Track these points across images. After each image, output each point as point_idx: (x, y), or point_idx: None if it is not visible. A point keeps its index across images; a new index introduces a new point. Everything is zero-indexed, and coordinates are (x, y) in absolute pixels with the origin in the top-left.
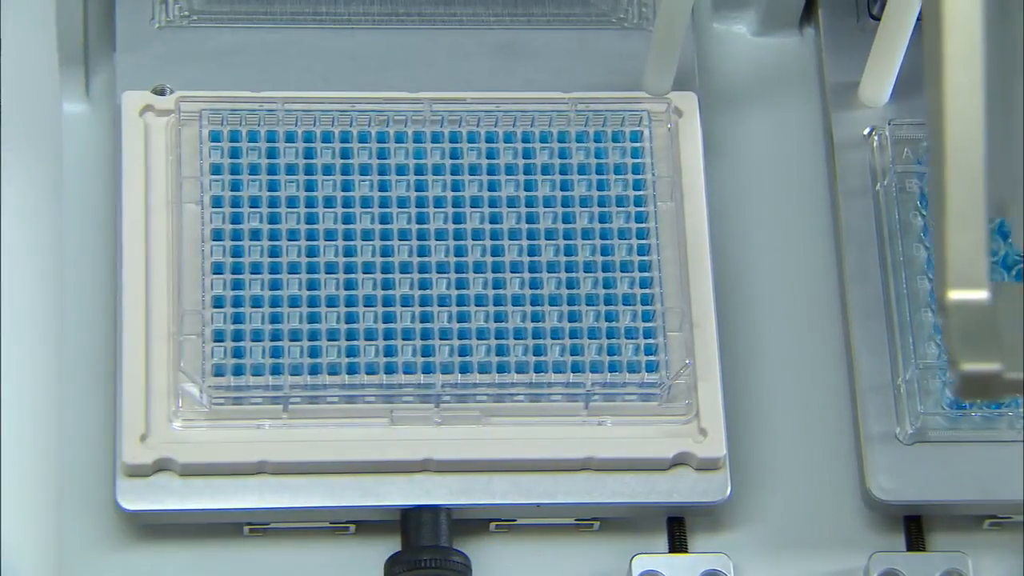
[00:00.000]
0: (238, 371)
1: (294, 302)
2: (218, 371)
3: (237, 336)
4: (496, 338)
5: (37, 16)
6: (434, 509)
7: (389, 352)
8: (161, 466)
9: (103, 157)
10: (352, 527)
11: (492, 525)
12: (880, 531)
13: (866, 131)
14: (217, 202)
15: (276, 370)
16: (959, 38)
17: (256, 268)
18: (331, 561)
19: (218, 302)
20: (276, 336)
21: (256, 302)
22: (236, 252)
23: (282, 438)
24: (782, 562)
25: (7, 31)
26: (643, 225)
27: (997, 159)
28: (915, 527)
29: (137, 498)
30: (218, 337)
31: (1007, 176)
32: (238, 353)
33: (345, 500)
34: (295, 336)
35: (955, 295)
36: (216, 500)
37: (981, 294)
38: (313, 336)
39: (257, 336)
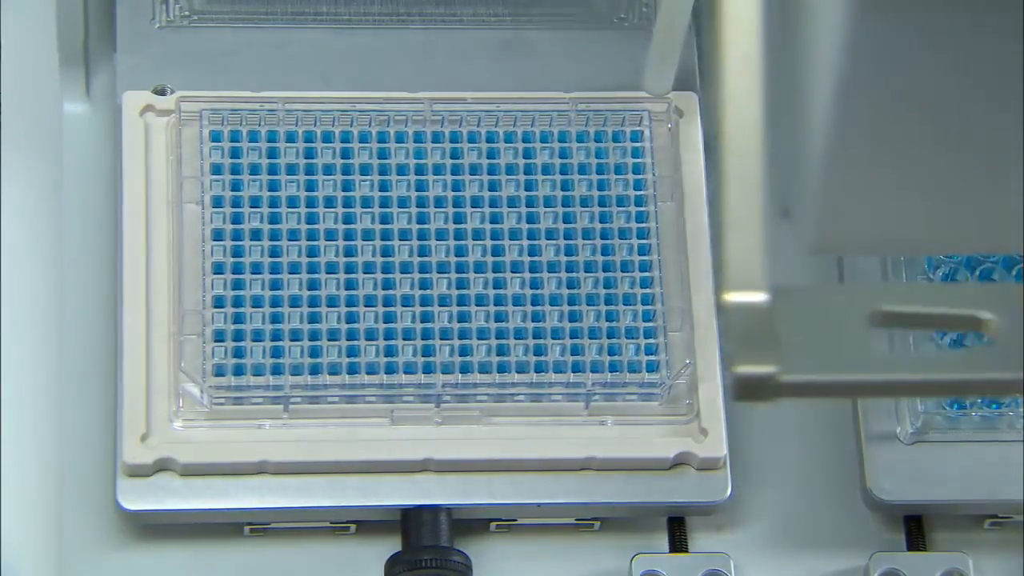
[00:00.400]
0: (239, 371)
1: (294, 302)
2: (219, 371)
3: (238, 336)
4: (496, 338)
5: (37, 16)
6: (434, 509)
7: (389, 352)
8: (162, 466)
9: (103, 157)
10: (352, 527)
11: (492, 525)
12: (880, 531)
13: None
14: (217, 202)
15: (277, 370)
16: (737, 42)
17: (256, 268)
18: (331, 561)
19: (218, 302)
20: (277, 336)
21: (256, 302)
22: (236, 252)
23: (282, 438)
24: (782, 562)
25: (7, 31)
26: (643, 225)
27: (781, 162)
28: (915, 527)
29: (137, 498)
30: (219, 337)
31: (791, 180)
32: (239, 353)
33: (345, 500)
34: (295, 336)
35: (732, 297)
36: (216, 500)
37: (759, 296)
38: (313, 336)
39: (258, 336)
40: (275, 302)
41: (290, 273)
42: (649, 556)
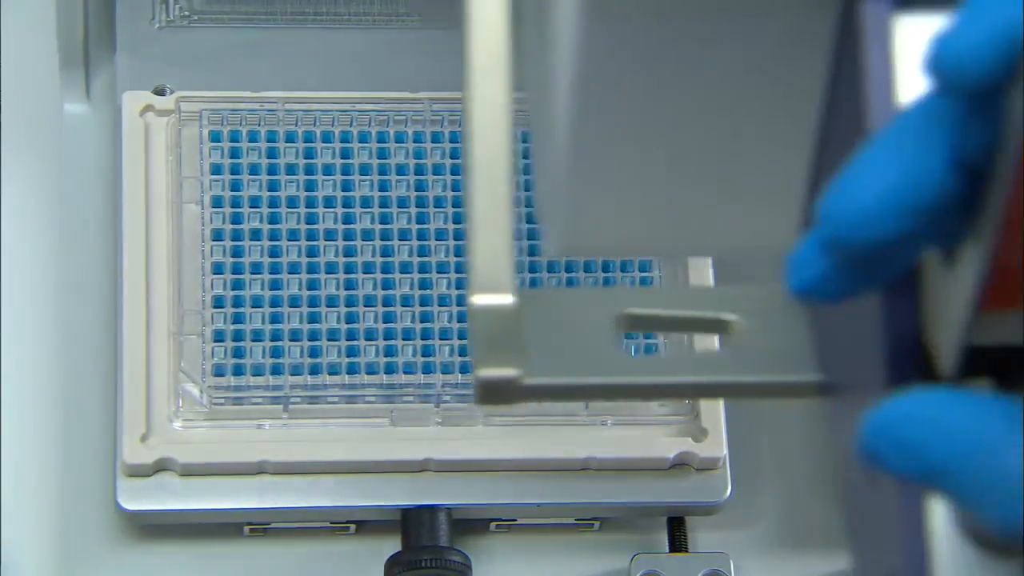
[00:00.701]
0: (238, 371)
1: (294, 302)
2: (218, 371)
3: (237, 336)
4: None
5: (37, 16)
6: (434, 509)
7: (389, 352)
8: (161, 466)
9: (103, 157)
10: (352, 527)
11: (492, 525)
12: None
13: None
14: (217, 202)
15: (276, 370)
16: (482, 45)
17: (256, 268)
18: (331, 561)
19: (218, 302)
20: (276, 336)
21: (256, 302)
22: (236, 252)
23: (282, 438)
24: (782, 562)
25: (7, 31)
26: None
27: (534, 166)
28: None
29: (137, 498)
30: (218, 337)
31: (539, 183)
32: (238, 353)
33: (345, 500)
34: (295, 336)
35: (478, 299)
36: (216, 500)
37: (505, 298)
38: (313, 336)
39: (257, 336)
40: (275, 302)
41: (290, 273)
42: (649, 556)
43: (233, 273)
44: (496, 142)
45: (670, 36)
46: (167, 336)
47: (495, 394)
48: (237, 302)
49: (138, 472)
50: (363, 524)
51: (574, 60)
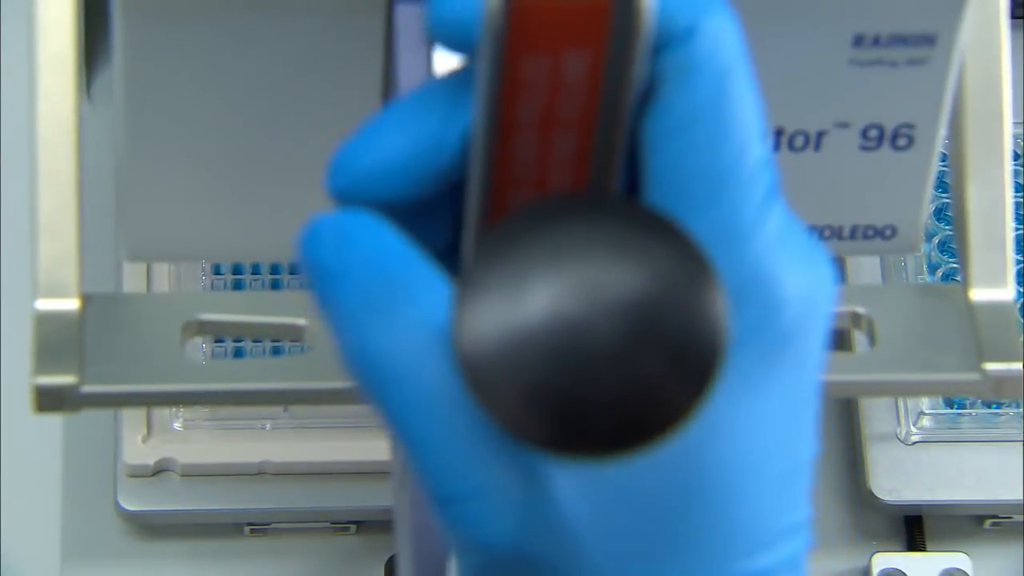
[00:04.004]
0: (239, 348)
1: (295, 270)
2: (216, 269)
3: (237, 270)
4: None
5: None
6: None
7: None
8: (162, 467)
9: (103, 157)
10: (353, 527)
11: None
12: (880, 531)
13: None
14: None
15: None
16: (50, 48)
17: (256, 268)
18: (331, 561)
19: (217, 269)
20: (276, 270)
21: (255, 269)
22: None
23: (283, 438)
24: None
25: (7, 31)
26: None
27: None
28: (915, 527)
29: (138, 498)
30: (219, 337)
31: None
32: (239, 353)
33: (345, 500)
34: (297, 270)
35: (41, 304)
36: (217, 500)
37: (68, 303)
38: None
39: (257, 268)
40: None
41: (290, 273)
42: None
43: (233, 273)
44: (62, 145)
45: (216, 37)
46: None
47: (53, 401)
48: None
49: (139, 472)
50: (363, 524)
51: (121, 61)
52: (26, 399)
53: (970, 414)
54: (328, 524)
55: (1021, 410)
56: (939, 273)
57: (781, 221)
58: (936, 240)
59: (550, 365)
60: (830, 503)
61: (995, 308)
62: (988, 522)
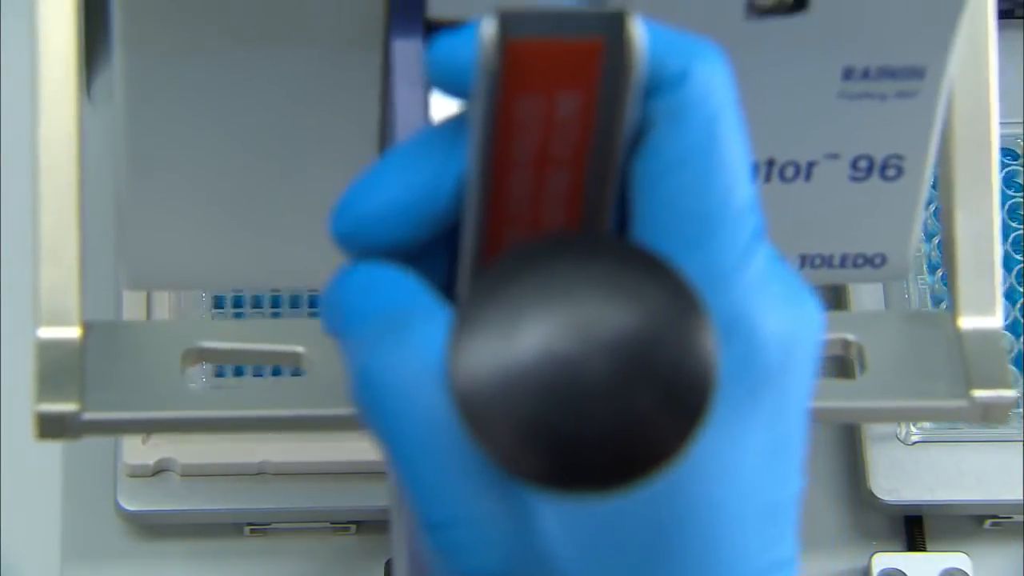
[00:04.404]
0: (239, 371)
1: (295, 303)
2: (219, 371)
3: (237, 295)
4: None
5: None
6: None
7: None
8: (162, 467)
9: (104, 157)
10: (353, 527)
11: None
12: (880, 531)
13: None
14: None
15: (277, 371)
16: (52, 76)
17: (258, 299)
18: (331, 561)
19: (218, 302)
20: (277, 296)
21: (257, 302)
22: None
23: (283, 439)
24: None
25: (7, 31)
26: None
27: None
28: (915, 527)
29: (138, 498)
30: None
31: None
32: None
33: (345, 500)
34: (297, 297)
35: (43, 332)
36: (217, 500)
37: (70, 331)
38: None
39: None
40: (275, 302)
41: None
42: None
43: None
44: (64, 171)
45: (217, 70)
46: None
47: (54, 429)
48: (237, 302)
49: (139, 472)
50: (363, 524)
51: (122, 93)
52: (26, 400)
53: (1005, 336)
54: (328, 524)
55: (1021, 410)
56: (943, 306)
57: (766, 261)
58: (940, 273)
59: (543, 401)
60: (830, 503)
61: (983, 335)
62: (988, 522)
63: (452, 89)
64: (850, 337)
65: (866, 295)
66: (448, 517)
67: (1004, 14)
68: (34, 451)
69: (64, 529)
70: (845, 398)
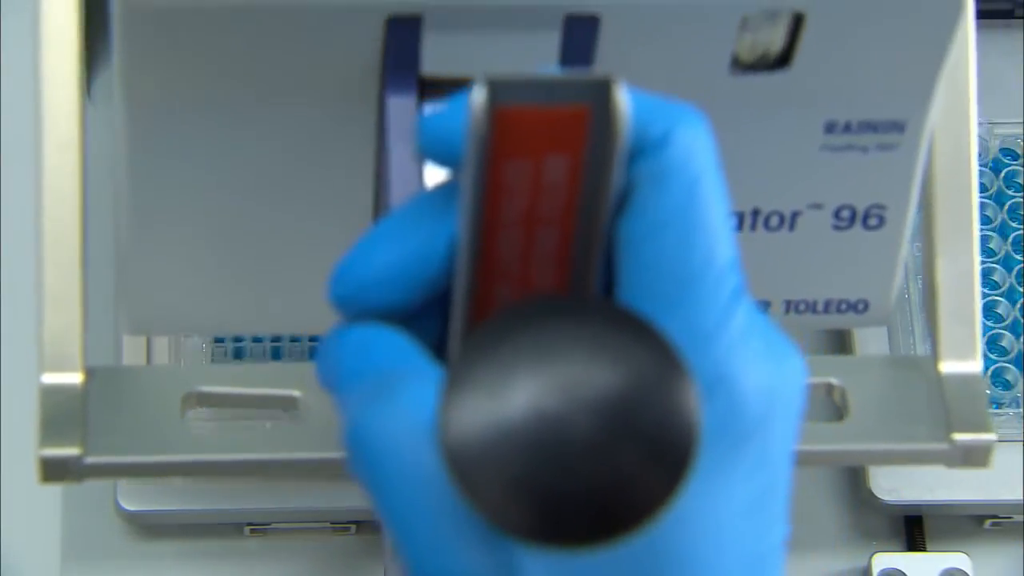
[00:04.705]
0: (238, 337)
1: (296, 338)
2: (218, 338)
3: (237, 336)
4: None
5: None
6: None
7: None
8: None
9: (104, 157)
10: (353, 527)
11: None
12: (880, 531)
13: None
14: None
15: (276, 339)
16: (56, 123)
17: (258, 336)
18: (331, 561)
19: (219, 337)
20: (277, 336)
21: (258, 337)
22: None
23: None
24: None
25: (7, 31)
26: None
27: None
28: (915, 527)
29: (138, 498)
30: (218, 337)
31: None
32: (238, 353)
33: (346, 500)
34: (296, 337)
35: (46, 378)
36: (217, 500)
37: (73, 377)
38: (314, 336)
39: (257, 336)
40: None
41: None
42: None
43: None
44: (67, 218)
45: (216, 122)
46: (167, 336)
47: (58, 472)
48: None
49: None
50: (363, 524)
51: (124, 143)
52: (26, 400)
53: (985, 381)
54: (328, 524)
55: (1021, 410)
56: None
57: (747, 318)
58: None
59: (531, 459)
60: (830, 503)
61: (964, 380)
62: (988, 522)
63: (442, 159)
64: (834, 381)
65: (872, 340)
66: (438, 569)
67: (1004, 14)
68: (34, 451)
69: (64, 529)
70: (827, 441)
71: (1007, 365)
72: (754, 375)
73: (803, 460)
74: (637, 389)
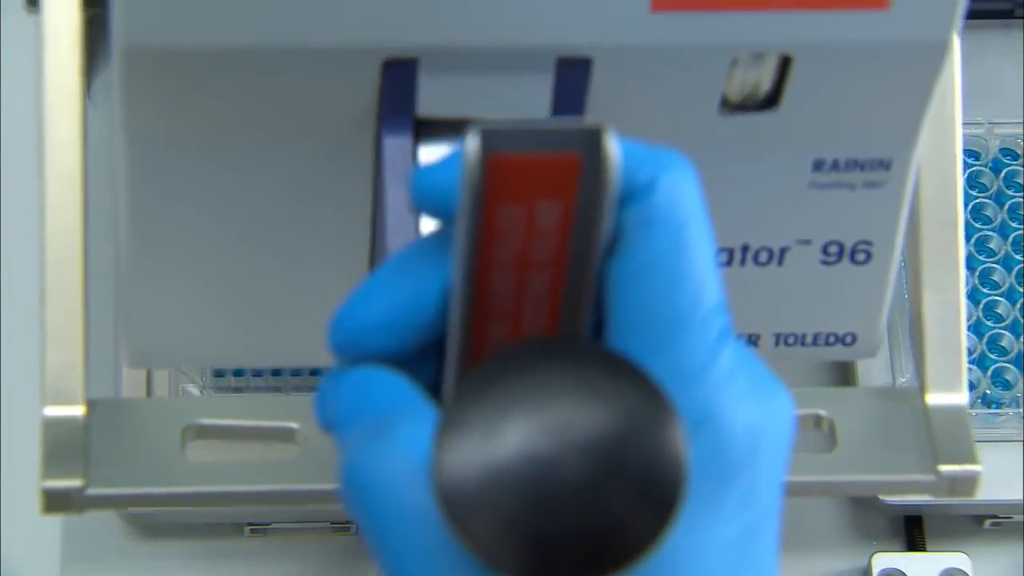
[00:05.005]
0: (239, 372)
1: (297, 371)
2: (219, 372)
3: (238, 368)
4: None
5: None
6: None
7: None
8: None
9: (103, 157)
10: (353, 527)
11: None
12: (880, 531)
13: None
14: None
15: (277, 371)
16: (58, 161)
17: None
18: (331, 561)
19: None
20: (277, 369)
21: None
22: None
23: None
24: (782, 562)
25: (7, 31)
26: None
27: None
28: (915, 527)
29: None
30: (219, 370)
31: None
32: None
33: None
34: (297, 370)
35: (49, 411)
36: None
37: (75, 410)
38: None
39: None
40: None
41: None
42: None
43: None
44: (68, 253)
45: (216, 163)
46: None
47: (60, 504)
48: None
49: None
50: None
51: (125, 182)
52: (26, 401)
53: (970, 414)
54: (328, 524)
55: (1021, 410)
56: None
57: (733, 359)
58: None
59: (523, 499)
60: (830, 503)
61: (950, 412)
62: (988, 522)
63: (435, 212)
64: (822, 412)
65: (876, 371)
66: None
67: (1004, 14)
68: (33, 451)
69: (64, 529)
70: (816, 472)
71: (1007, 365)
72: (740, 414)
73: (792, 491)
74: (626, 431)
